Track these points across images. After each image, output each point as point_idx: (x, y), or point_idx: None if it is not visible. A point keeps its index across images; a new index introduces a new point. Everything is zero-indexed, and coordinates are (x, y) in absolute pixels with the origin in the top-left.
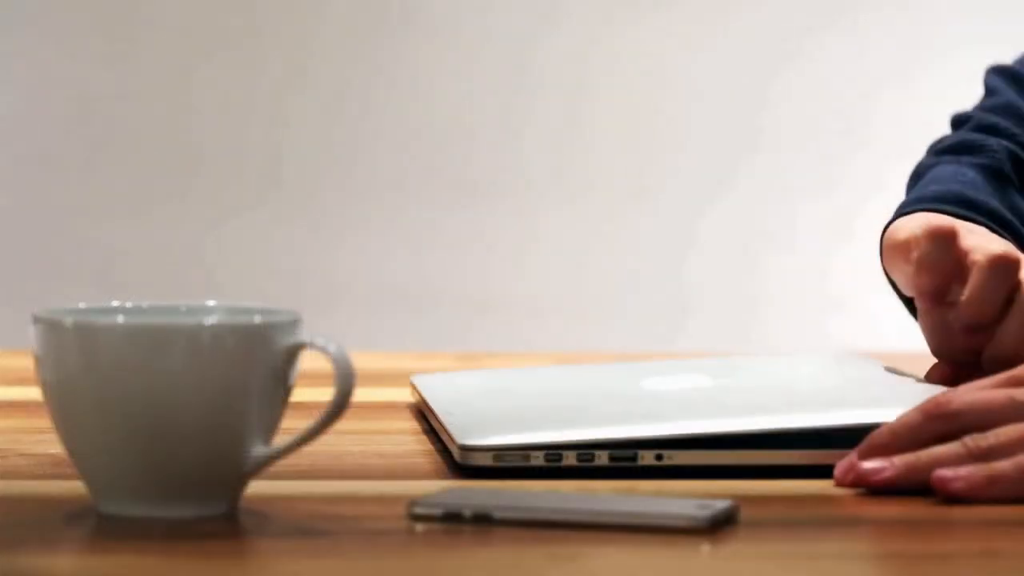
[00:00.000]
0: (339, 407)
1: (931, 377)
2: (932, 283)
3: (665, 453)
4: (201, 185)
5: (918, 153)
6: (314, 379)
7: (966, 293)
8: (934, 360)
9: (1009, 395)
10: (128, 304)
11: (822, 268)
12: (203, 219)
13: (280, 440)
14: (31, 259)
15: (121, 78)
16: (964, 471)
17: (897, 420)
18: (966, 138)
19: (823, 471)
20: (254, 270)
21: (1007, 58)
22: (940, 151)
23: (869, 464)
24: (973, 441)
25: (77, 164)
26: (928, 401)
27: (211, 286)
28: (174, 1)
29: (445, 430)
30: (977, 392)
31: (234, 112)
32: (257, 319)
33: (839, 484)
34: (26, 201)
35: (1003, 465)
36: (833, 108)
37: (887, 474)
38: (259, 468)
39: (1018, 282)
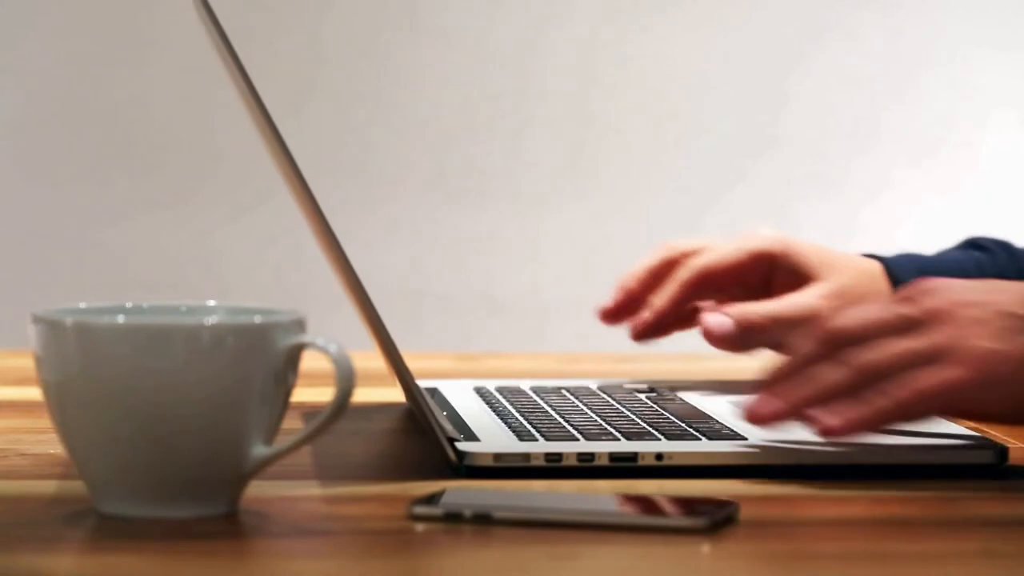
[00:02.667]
0: (339, 407)
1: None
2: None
3: (665, 453)
4: (202, 186)
5: (921, 154)
6: (314, 379)
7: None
8: None
9: (893, 309)
10: (128, 304)
11: None
12: (203, 219)
13: (280, 440)
14: (31, 259)
15: (125, 79)
16: (844, 413)
17: (796, 351)
18: None
19: (823, 471)
20: (255, 270)
21: (1014, 61)
22: None
23: (761, 403)
24: (859, 362)
25: (79, 164)
26: (816, 326)
27: (212, 286)
28: (181, 1)
29: (444, 431)
30: (860, 311)
31: (237, 113)
32: (257, 319)
33: (754, 420)
34: (26, 201)
35: (880, 401)
36: (837, 110)
37: (776, 408)
38: (259, 468)
39: None
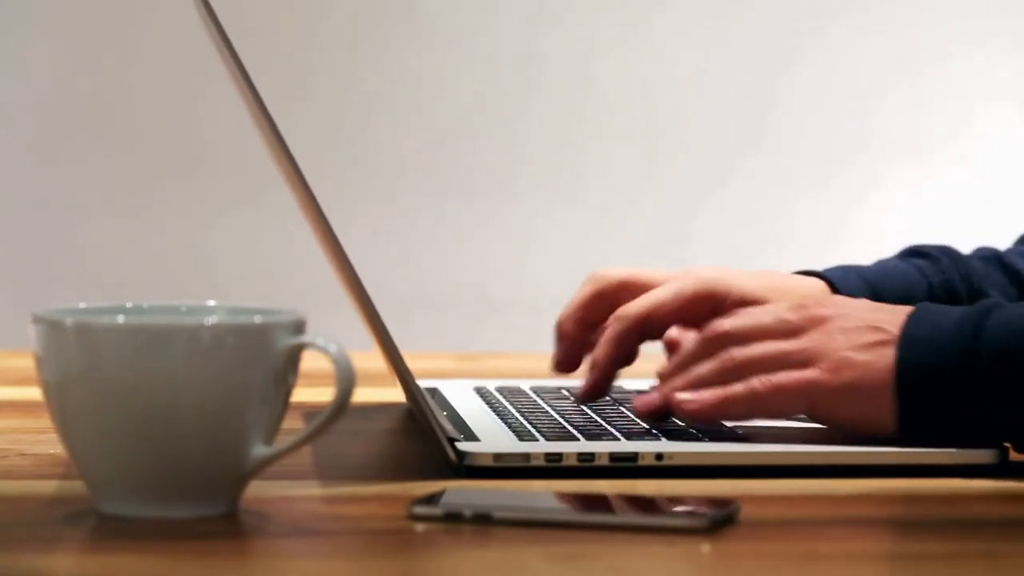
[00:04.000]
0: (339, 407)
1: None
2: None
3: (665, 453)
4: (202, 185)
5: (915, 153)
6: (314, 379)
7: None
8: None
9: (776, 314)
10: (128, 304)
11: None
12: (203, 219)
13: (280, 440)
14: (31, 259)
15: (121, 77)
16: (700, 394)
17: (682, 350)
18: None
19: (823, 471)
20: (255, 270)
21: (1004, 60)
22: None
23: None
24: (729, 355)
25: (78, 164)
26: (706, 327)
27: (211, 286)
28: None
29: (444, 431)
30: (745, 314)
31: (235, 111)
32: (257, 319)
33: (637, 413)
34: (26, 201)
35: (736, 387)
36: (830, 109)
37: (651, 399)
38: (259, 468)
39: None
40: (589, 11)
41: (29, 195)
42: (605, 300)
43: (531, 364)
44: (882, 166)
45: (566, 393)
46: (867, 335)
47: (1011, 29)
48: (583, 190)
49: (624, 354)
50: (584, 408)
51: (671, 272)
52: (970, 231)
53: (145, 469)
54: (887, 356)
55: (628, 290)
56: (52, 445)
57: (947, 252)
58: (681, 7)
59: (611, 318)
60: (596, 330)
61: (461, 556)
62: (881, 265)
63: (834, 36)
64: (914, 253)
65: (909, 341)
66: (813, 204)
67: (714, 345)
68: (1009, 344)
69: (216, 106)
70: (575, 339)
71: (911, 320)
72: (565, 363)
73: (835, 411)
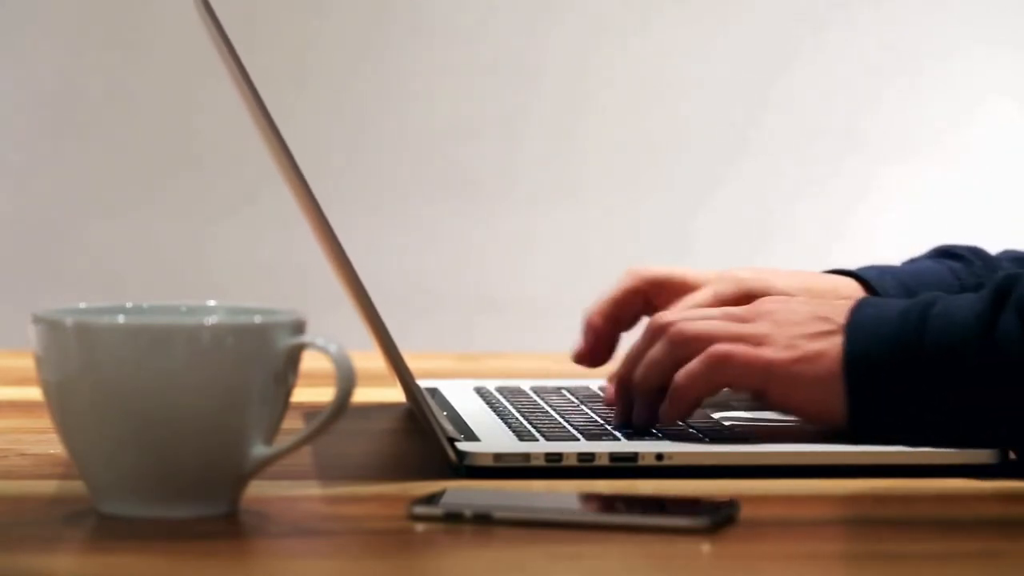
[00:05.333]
0: (339, 407)
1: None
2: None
3: (665, 453)
4: (202, 185)
5: (911, 154)
6: (314, 379)
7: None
8: None
9: (723, 309)
10: (128, 304)
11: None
12: (204, 219)
13: (280, 440)
14: (31, 259)
15: (121, 77)
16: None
17: (629, 348)
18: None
19: (823, 471)
20: (254, 270)
21: (1000, 60)
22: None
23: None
24: (677, 329)
25: (78, 164)
26: (650, 321)
27: (211, 286)
28: (174, 0)
29: (444, 431)
30: (692, 310)
31: (235, 111)
32: (257, 319)
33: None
34: (26, 201)
35: (691, 364)
36: (829, 108)
37: (609, 395)
38: (259, 468)
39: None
40: (589, 12)
41: (29, 195)
42: (639, 297)
43: (531, 364)
44: (881, 165)
45: (566, 393)
46: (814, 325)
47: (1009, 28)
48: (583, 190)
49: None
50: (584, 408)
51: (709, 272)
52: (968, 230)
53: (145, 469)
54: (836, 344)
55: (665, 288)
56: (52, 445)
57: (978, 253)
58: (680, 8)
59: (648, 325)
60: (624, 326)
61: (461, 556)
62: (914, 266)
63: (833, 36)
64: (945, 254)
65: (855, 330)
66: (812, 203)
67: (658, 335)
68: (951, 334)
69: (216, 106)
70: (602, 334)
71: (856, 310)
72: (588, 357)
73: (788, 394)
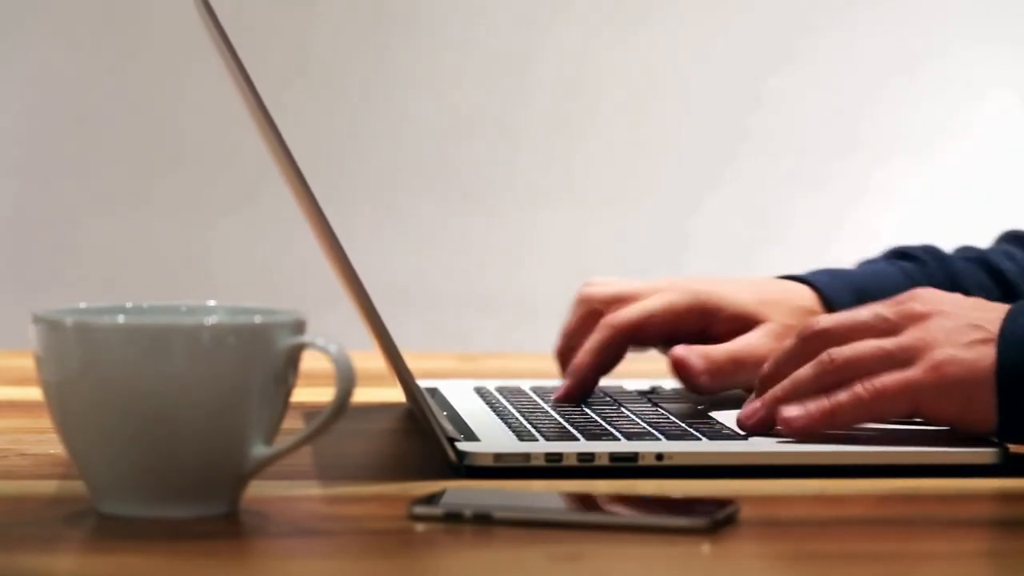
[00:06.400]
0: (339, 407)
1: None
2: None
3: (665, 453)
4: (202, 185)
5: (907, 153)
6: (314, 379)
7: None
8: None
9: (874, 311)
10: (128, 304)
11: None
12: (204, 219)
13: (280, 440)
14: (31, 259)
15: (118, 76)
16: (806, 408)
17: (780, 350)
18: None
19: (823, 471)
20: (254, 270)
21: (996, 58)
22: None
23: (746, 409)
24: (829, 356)
25: (77, 164)
26: (803, 326)
27: (211, 286)
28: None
29: (444, 431)
30: (844, 313)
31: (235, 111)
32: (258, 319)
33: (743, 427)
34: (26, 201)
35: (840, 397)
36: (824, 109)
37: (755, 409)
38: (259, 468)
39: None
40: (586, 13)
41: (29, 195)
42: (595, 320)
43: (531, 364)
44: (878, 164)
45: None
46: (967, 333)
47: (1008, 26)
48: (581, 190)
49: (607, 362)
50: (584, 408)
51: (660, 282)
52: (966, 228)
53: (145, 469)
54: (988, 355)
55: (618, 308)
56: (52, 445)
57: (932, 253)
58: (677, 8)
59: (599, 325)
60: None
61: (461, 556)
62: (867, 268)
63: (829, 36)
64: (899, 255)
65: (1009, 339)
66: (810, 203)
67: (812, 345)
68: None
69: (216, 106)
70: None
71: (1010, 318)
72: (569, 395)
73: (939, 410)
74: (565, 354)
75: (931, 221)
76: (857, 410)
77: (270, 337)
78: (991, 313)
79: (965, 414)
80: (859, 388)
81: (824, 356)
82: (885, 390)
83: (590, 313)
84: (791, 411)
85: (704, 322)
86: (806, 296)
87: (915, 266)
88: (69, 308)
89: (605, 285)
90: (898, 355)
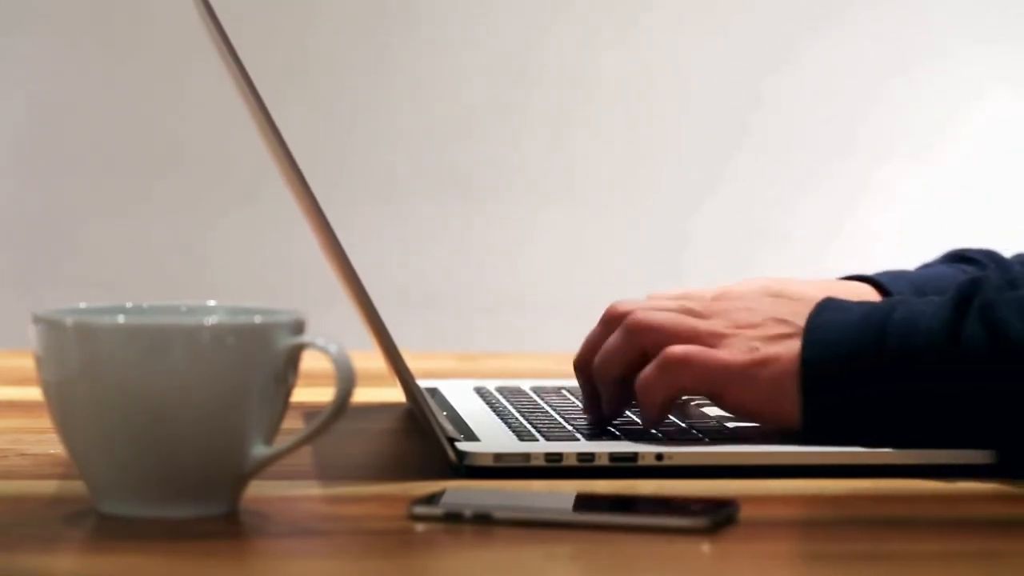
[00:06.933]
0: (339, 407)
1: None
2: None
3: (665, 453)
4: (202, 185)
5: (907, 153)
6: (314, 379)
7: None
8: None
9: (679, 302)
10: (128, 304)
11: (813, 267)
12: (203, 219)
13: (280, 440)
14: (31, 259)
15: (118, 77)
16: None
17: (585, 340)
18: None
19: (823, 471)
20: (254, 270)
21: (996, 57)
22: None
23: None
24: (634, 318)
25: (77, 164)
26: (605, 311)
27: (211, 286)
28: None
29: (444, 431)
30: (649, 300)
31: (234, 111)
32: (258, 319)
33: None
34: (26, 201)
35: (647, 369)
36: (824, 109)
37: (589, 409)
38: (259, 468)
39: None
40: (586, 12)
41: (29, 195)
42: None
43: (531, 364)
44: (879, 165)
45: (566, 393)
46: (772, 327)
47: (1008, 25)
48: (581, 190)
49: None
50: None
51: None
52: (967, 228)
53: (145, 469)
54: (793, 348)
55: None
56: (52, 445)
57: (991, 256)
58: (677, 7)
59: (605, 313)
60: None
61: (461, 556)
62: (926, 270)
63: (829, 36)
64: (959, 258)
65: (814, 334)
66: (810, 203)
67: (613, 324)
68: (912, 342)
69: (216, 106)
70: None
71: (816, 313)
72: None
73: (743, 398)
74: (581, 367)
75: (931, 221)
76: (669, 376)
77: (270, 337)
78: (794, 306)
79: (768, 406)
80: (667, 352)
81: (629, 318)
82: (692, 358)
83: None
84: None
85: None
86: (866, 291)
87: (974, 268)
88: (69, 308)
89: (631, 302)
90: (705, 335)
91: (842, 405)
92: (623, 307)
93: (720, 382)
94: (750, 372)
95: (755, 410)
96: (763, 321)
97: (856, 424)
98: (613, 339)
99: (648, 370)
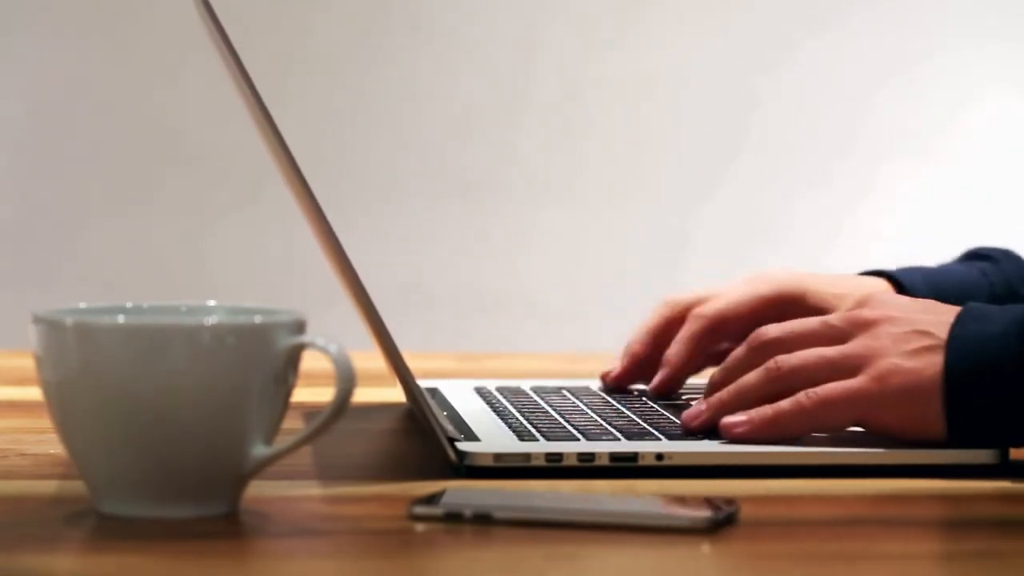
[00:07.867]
0: (339, 407)
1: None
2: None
3: (665, 453)
4: (202, 185)
5: (907, 153)
6: (314, 379)
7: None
8: None
9: (822, 319)
10: (128, 304)
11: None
12: (203, 219)
13: (280, 440)
14: (31, 259)
15: (118, 76)
16: (748, 416)
17: (730, 357)
18: None
19: (823, 471)
20: (254, 270)
21: (996, 57)
22: None
23: (692, 410)
24: (775, 364)
25: (77, 164)
26: (752, 335)
27: (211, 286)
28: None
29: (445, 431)
30: (793, 322)
31: (234, 111)
32: (258, 319)
33: (687, 427)
34: (26, 201)
35: (783, 406)
36: (824, 108)
37: (699, 412)
38: (259, 468)
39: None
40: (585, 13)
41: (29, 195)
42: (676, 324)
43: (531, 364)
44: (880, 164)
45: (566, 393)
46: (914, 340)
47: (1007, 25)
48: (581, 190)
49: (697, 353)
50: (584, 408)
51: (746, 276)
52: (967, 228)
53: (145, 469)
54: (935, 362)
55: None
56: (52, 445)
57: (1007, 253)
58: (677, 7)
59: (689, 316)
60: (663, 350)
61: (461, 556)
62: (943, 267)
63: (829, 36)
64: (976, 256)
65: (957, 347)
66: (810, 202)
67: (760, 353)
68: None
69: (216, 106)
70: (638, 358)
71: (958, 324)
72: (621, 376)
73: (884, 420)
74: (633, 345)
75: (931, 221)
76: (799, 418)
77: (270, 337)
78: (942, 317)
79: (911, 424)
80: (802, 397)
81: (771, 363)
82: (828, 399)
83: (671, 317)
84: (732, 418)
85: (789, 312)
86: (880, 286)
87: (990, 264)
88: (69, 308)
89: (689, 292)
90: (842, 364)
91: (985, 415)
92: (768, 336)
93: (861, 413)
94: (888, 394)
95: (899, 430)
96: (905, 334)
97: (998, 431)
98: (753, 379)
99: (785, 410)
